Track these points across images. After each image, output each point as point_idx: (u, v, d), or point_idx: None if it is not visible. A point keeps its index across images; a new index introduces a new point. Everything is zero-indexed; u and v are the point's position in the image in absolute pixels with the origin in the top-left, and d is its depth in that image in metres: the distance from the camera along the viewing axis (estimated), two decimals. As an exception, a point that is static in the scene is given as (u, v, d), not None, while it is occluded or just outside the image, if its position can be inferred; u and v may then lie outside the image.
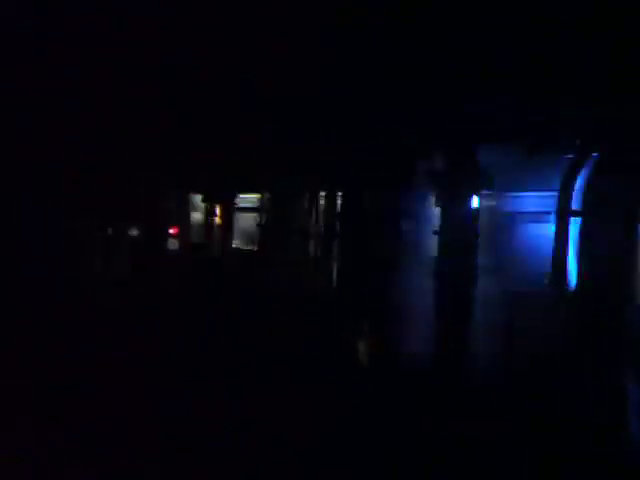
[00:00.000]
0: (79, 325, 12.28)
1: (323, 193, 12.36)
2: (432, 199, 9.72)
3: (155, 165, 14.58)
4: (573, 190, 7.33)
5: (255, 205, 15.07)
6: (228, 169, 14.11)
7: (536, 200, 8.85)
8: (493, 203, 9.44)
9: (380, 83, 8.83)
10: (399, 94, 8.85)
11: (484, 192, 9.13)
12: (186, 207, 16.60)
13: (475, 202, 9.00)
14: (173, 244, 16.45)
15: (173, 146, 13.57)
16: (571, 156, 7.41)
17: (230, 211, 15.50)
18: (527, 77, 7.29)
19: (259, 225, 14.69)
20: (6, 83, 11.16)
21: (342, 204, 11.78)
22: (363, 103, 9.42)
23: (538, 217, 8.80)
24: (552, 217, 8.38)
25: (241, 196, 15.61)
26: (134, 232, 16.21)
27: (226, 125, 11.90)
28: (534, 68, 7.16)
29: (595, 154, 7.13)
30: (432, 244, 9.67)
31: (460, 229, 9.05)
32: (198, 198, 16.31)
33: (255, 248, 14.80)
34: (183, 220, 16.53)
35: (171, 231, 16.49)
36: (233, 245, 15.57)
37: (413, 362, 9.32)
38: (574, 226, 7.39)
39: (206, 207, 16.18)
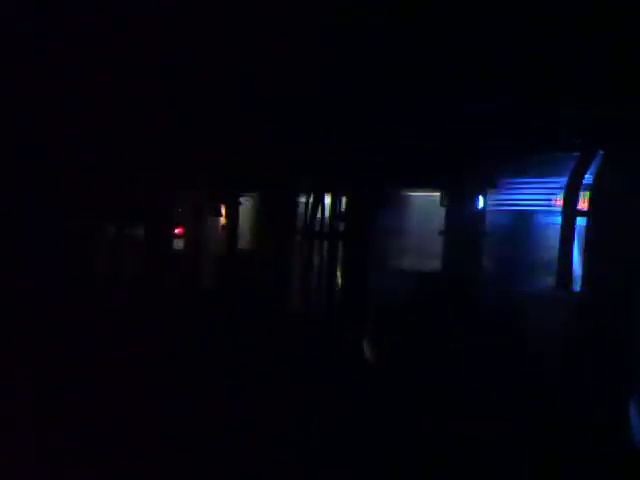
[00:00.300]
0: (79, 325, 12.28)
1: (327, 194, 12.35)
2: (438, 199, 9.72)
3: (157, 165, 14.58)
4: (580, 189, 7.31)
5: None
6: (229, 169, 14.11)
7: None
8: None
9: (380, 83, 8.82)
10: (399, 94, 8.84)
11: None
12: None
13: (481, 201, 8.98)
14: (178, 245, 16.44)
15: (174, 146, 13.57)
16: (577, 154, 7.39)
17: (235, 211, 15.44)
18: (527, 77, 7.28)
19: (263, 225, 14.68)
20: (6, 83, 11.16)
21: (344, 205, 11.77)
22: (363, 103, 9.41)
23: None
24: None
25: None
26: (137, 232, 16.21)
27: (226, 125, 11.90)
28: (534, 68, 7.15)
29: (601, 153, 7.11)
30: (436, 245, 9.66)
31: (466, 229, 9.03)
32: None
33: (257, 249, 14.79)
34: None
35: (176, 231, 16.47)
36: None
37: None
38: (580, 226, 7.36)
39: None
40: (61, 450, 7.08)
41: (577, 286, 7.27)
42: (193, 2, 9.14)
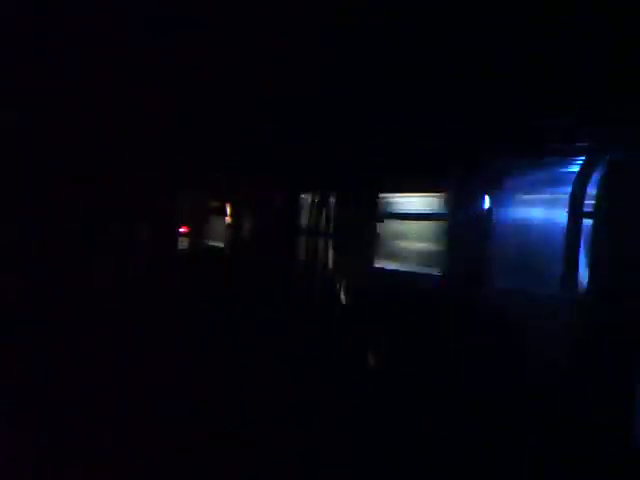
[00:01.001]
0: (80, 326, 12.29)
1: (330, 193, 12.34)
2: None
3: (158, 164, 14.59)
4: (586, 191, 7.31)
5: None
6: (230, 168, 14.13)
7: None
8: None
9: (380, 83, 8.83)
10: (400, 94, 8.84)
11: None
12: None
13: (486, 202, 8.97)
14: (183, 244, 16.44)
15: (174, 145, 13.58)
16: (583, 157, 7.39)
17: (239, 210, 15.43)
18: (527, 77, 7.28)
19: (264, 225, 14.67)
20: (6, 83, 11.17)
21: (344, 204, 11.77)
22: (363, 103, 9.42)
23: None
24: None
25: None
26: (141, 231, 16.19)
27: (226, 125, 11.91)
28: (534, 68, 7.15)
29: (608, 155, 7.11)
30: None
31: (470, 229, 9.03)
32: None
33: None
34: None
35: (181, 230, 16.47)
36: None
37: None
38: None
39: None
40: (61, 450, 7.09)
41: (583, 288, 7.27)
42: (193, 2, 9.15)
